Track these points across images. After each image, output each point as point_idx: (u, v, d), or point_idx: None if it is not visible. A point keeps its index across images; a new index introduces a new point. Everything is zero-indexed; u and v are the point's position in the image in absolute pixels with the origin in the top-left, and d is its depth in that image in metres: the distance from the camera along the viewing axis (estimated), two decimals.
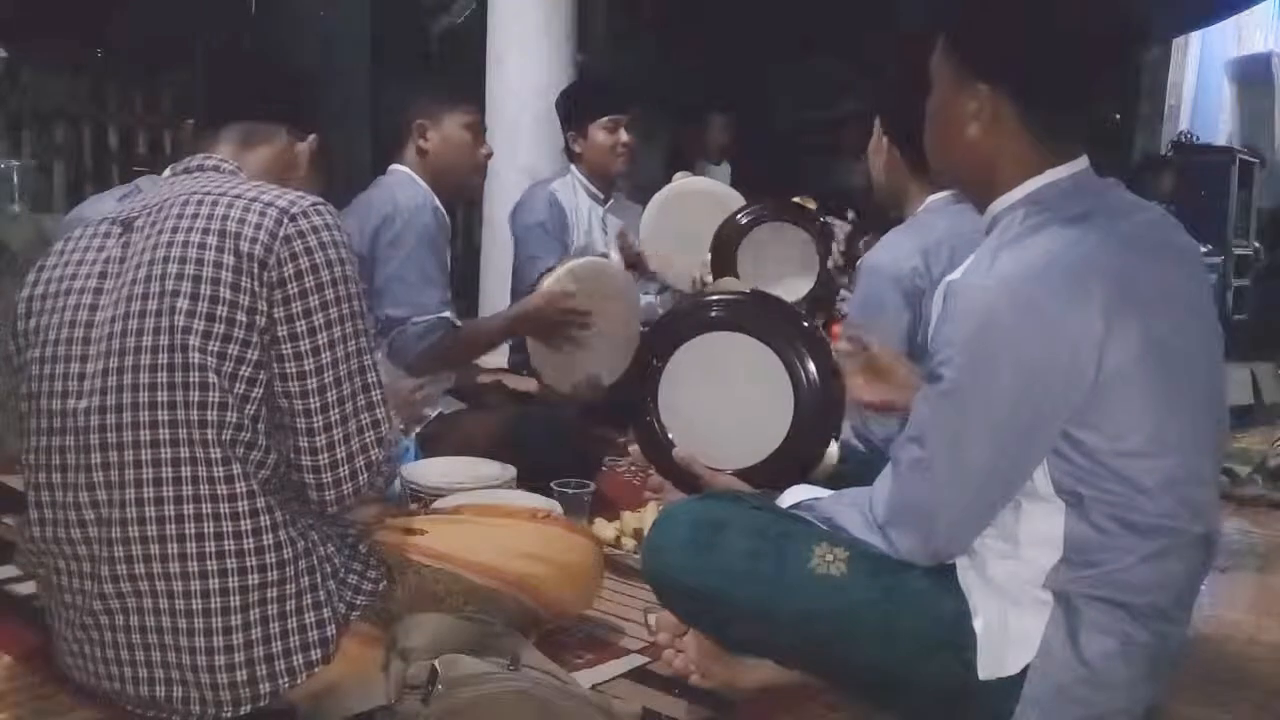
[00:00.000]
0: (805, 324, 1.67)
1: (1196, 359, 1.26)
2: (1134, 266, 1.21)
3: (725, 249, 2.97)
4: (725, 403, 1.66)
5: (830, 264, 3.05)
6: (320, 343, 1.33)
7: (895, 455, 1.29)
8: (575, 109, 3.29)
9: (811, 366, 1.61)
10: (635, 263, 3.21)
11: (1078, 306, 1.17)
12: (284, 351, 1.32)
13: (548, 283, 2.70)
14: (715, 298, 1.75)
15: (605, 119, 3.20)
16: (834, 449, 1.68)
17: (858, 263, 2.11)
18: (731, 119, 5.92)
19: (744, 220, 2.99)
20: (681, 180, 3.51)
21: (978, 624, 1.26)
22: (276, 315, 1.31)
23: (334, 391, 1.34)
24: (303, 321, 1.32)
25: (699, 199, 3.31)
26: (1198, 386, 1.25)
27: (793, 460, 1.61)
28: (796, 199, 3.13)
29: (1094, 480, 1.20)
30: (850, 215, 3.30)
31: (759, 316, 1.67)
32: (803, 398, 1.61)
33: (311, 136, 1.62)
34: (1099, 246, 1.20)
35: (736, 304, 1.71)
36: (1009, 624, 1.26)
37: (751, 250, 2.97)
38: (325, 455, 1.35)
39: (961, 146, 1.30)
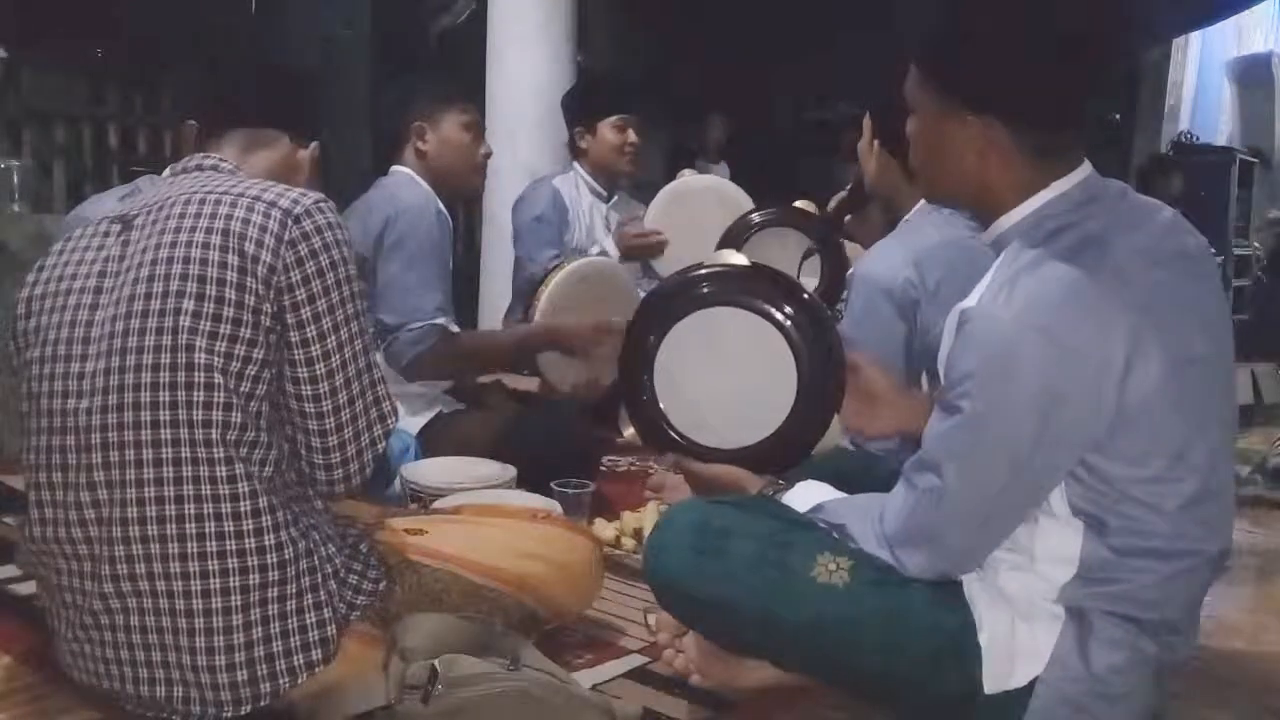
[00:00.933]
0: (806, 296, 1.63)
1: (1214, 369, 1.24)
2: (1153, 284, 1.19)
3: (729, 247, 2.97)
4: (725, 380, 1.62)
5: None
6: (330, 345, 1.35)
7: (909, 478, 1.28)
8: (585, 105, 3.28)
9: (813, 340, 1.58)
10: (635, 249, 3.20)
11: (1099, 338, 1.15)
12: (295, 356, 1.33)
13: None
14: (711, 271, 1.69)
15: (615, 118, 3.20)
16: (836, 425, 1.65)
17: (848, 274, 2.09)
18: (729, 117, 5.91)
19: (756, 220, 2.99)
20: (687, 177, 3.51)
21: (983, 637, 1.25)
22: (286, 320, 1.32)
23: (344, 393, 1.37)
24: (312, 326, 1.33)
25: (704, 196, 3.31)
26: (1216, 398, 1.25)
27: (798, 436, 1.58)
28: (799, 203, 3.13)
29: (1112, 505, 1.20)
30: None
31: (758, 290, 1.62)
32: (805, 373, 1.57)
33: (313, 144, 1.63)
34: (1117, 271, 1.18)
35: (735, 277, 1.66)
36: (1017, 637, 1.25)
37: (754, 252, 2.96)
38: (337, 454, 1.38)
39: (956, 173, 1.29)
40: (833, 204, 2.75)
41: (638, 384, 1.64)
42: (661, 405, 1.63)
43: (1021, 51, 1.22)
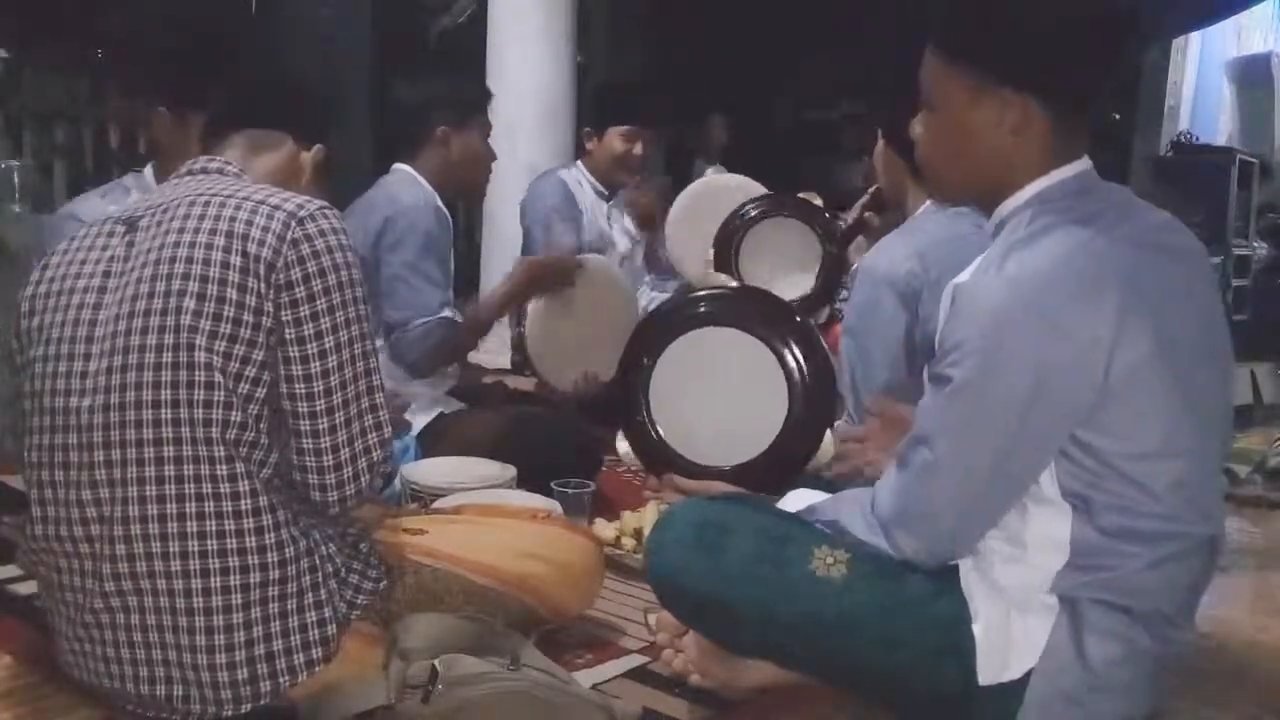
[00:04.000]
0: (796, 317, 1.66)
1: (1205, 358, 1.26)
2: (1144, 266, 1.21)
3: (727, 243, 2.96)
4: (718, 399, 1.64)
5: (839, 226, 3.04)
6: (327, 346, 1.34)
7: (902, 455, 1.29)
8: (599, 108, 3.29)
9: (802, 358, 1.60)
10: (645, 216, 3.21)
11: (1089, 309, 1.16)
12: (291, 354, 1.33)
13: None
14: (704, 293, 1.72)
15: (625, 128, 3.20)
16: (829, 439, 1.66)
17: (853, 267, 2.12)
18: (730, 118, 5.90)
19: (751, 214, 2.98)
20: (712, 176, 3.50)
21: (977, 628, 1.26)
22: (284, 318, 1.32)
23: (339, 394, 1.35)
24: (310, 325, 1.33)
25: (729, 194, 3.29)
26: (1206, 386, 1.25)
27: (789, 453, 1.60)
28: (802, 194, 3.12)
29: (1102, 484, 1.20)
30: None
31: (748, 311, 1.65)
32: (795, 390, 1.59)
33: (317, 146, 1.63)
34: (1109, 247, 1.20)
35: (725, 299, 1.69)
36: (1012, 628, 1.25)
37: (754, 245, 2.96)
38: (329, 457, 1.36)
39: (982, 157, 1.29)
40: (855, 208, 2.77)
41: (634, 405, 1.66)
42: (657, 425, 1.65)
43: (1056, 23, 1.24)
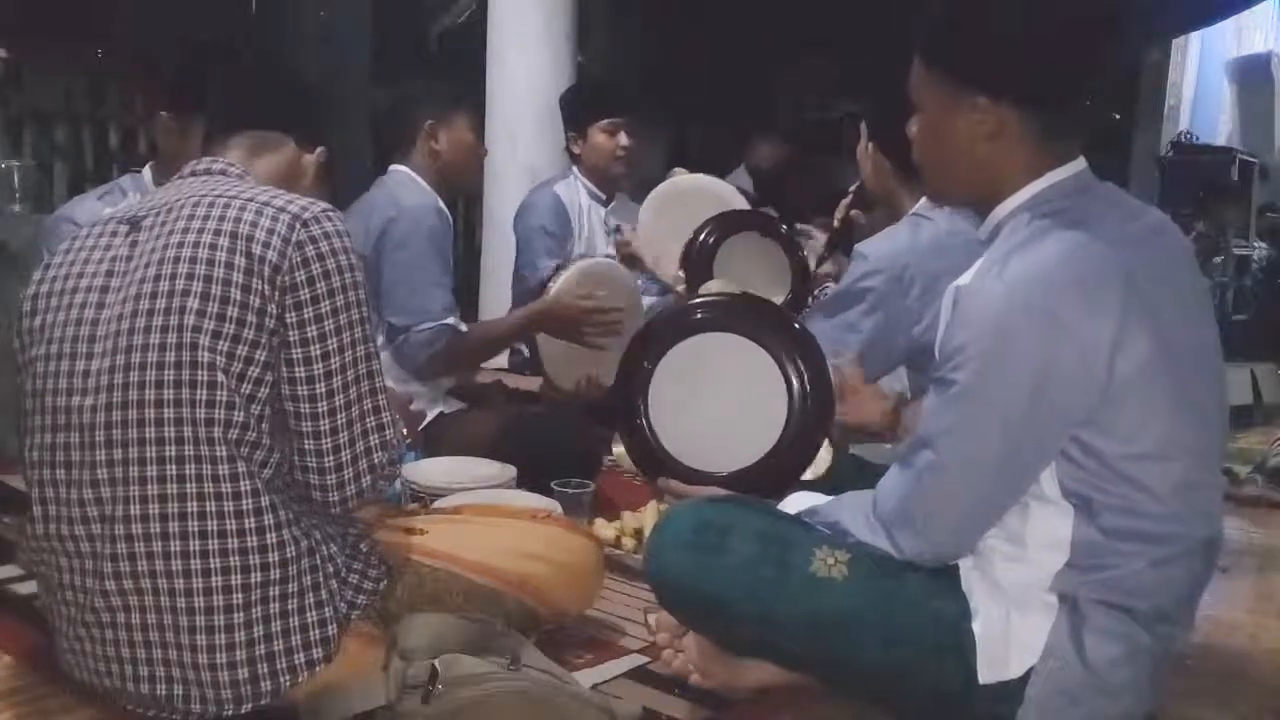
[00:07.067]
0: (795, 325, 1.67)
1: (1201, 358, 1.26)
2: (1142, 267, 1.21)
3: (700, 270, 2.92)
4: (717, 405, 1.65)
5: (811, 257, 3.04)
6: (330, 347, 1.34)
7: (905, 457, 1.29)
8: (575, 110, 3.29)
9: (803, 367, 1.61)
10: (629, 257, 3.20)
11: (1090, 311, 1.17)
12: (294, 356, 1.33)
13: (559, 284, 2.70)
14: (705, 300, 1.73)
15: (605, 121, 3.20)
16: (826, 448, 1.68)
17: (853, 248, 2.15)
18: (779, 141, 5.76)
19: (710, 240, 2.93)
20: (677, 177, 3.48)
21: (976, 626, 1.26)
22: (288, 319, 1.32)
23: (341, 396, 1.36)
24: (313, 327, 1.33)
25: (697, 196, 3.28)
26: (1204, 386, 1.26)
27: (787, 461, 1.60)
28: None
29: (1102, 484, 1.20)
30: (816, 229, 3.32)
31: (750, 318, 1.66)
32: (795, 398, 1.60)
33: (319, 149, 1.63)
34: (1108, 248, 1.20)
35: (726, 306, 1.70)
36: (1012, 627, 1.26)
37: (724, 267, 2.92)
38: (330, 458, 1.36)
39: (965, 162, 1.30)
40: (840, 208, 2.76)
41: (633, 409, 1.66)
42: (655, 430, 1.66)
43: (1027, 30, 1.24)
